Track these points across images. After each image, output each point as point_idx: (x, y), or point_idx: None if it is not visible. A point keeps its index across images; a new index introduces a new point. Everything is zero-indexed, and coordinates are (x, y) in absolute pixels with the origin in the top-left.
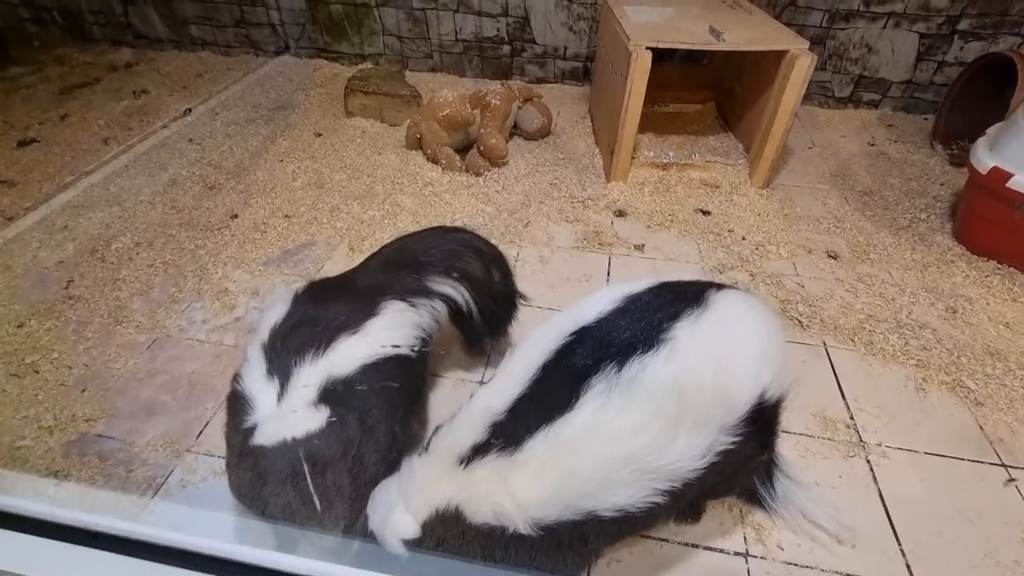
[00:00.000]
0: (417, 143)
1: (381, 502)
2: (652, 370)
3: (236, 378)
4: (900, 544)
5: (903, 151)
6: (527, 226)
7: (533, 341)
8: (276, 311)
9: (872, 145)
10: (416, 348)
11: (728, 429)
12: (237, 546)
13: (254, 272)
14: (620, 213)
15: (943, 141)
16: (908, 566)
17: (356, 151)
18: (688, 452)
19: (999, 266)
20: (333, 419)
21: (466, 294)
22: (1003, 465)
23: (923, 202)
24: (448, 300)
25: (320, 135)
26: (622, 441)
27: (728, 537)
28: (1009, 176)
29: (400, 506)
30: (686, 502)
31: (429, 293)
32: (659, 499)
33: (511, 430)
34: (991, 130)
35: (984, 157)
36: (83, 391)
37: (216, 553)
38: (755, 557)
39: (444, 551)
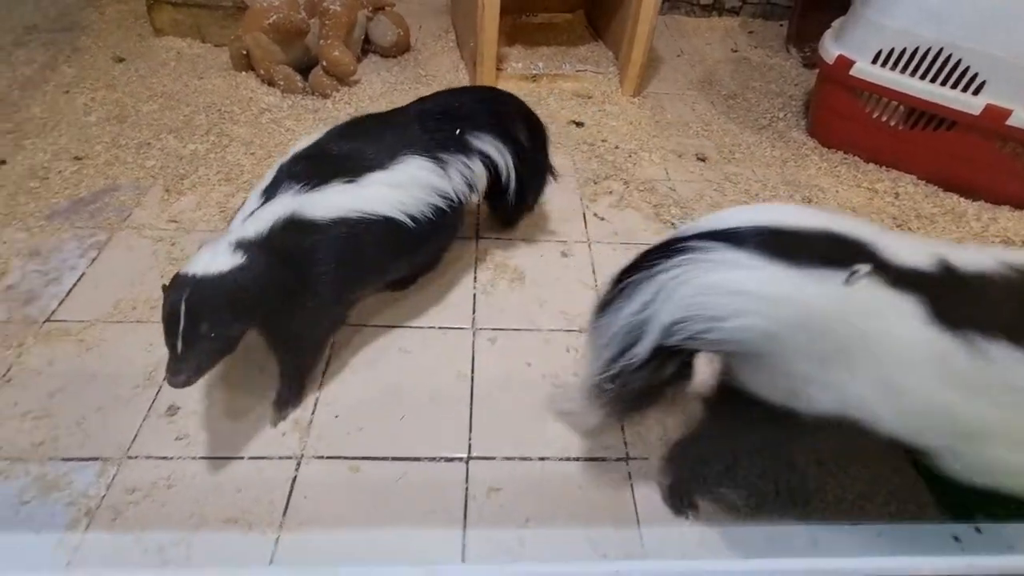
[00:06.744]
0: (246, 62)
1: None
2: None
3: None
4: None
5: (763, 56)
6: None
7: None
8: (310, 137)
9: (735, 51)
10: (424, 214)
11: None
12: None
13: (32, 229)
14: None
15: (797, 45)
16: None
17: (170, 77)
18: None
19: (846, 156)
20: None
21: (509, 158)
22: None
23: (780, 102)
24: (488, 161)
25: (122, 60)
26: None
27: (609, 448)
28: (852, 63)
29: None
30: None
31: (469, 150)
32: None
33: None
34: (836, 22)
35: (831, 47)
36: None
37: None
38: (636, 459)
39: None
